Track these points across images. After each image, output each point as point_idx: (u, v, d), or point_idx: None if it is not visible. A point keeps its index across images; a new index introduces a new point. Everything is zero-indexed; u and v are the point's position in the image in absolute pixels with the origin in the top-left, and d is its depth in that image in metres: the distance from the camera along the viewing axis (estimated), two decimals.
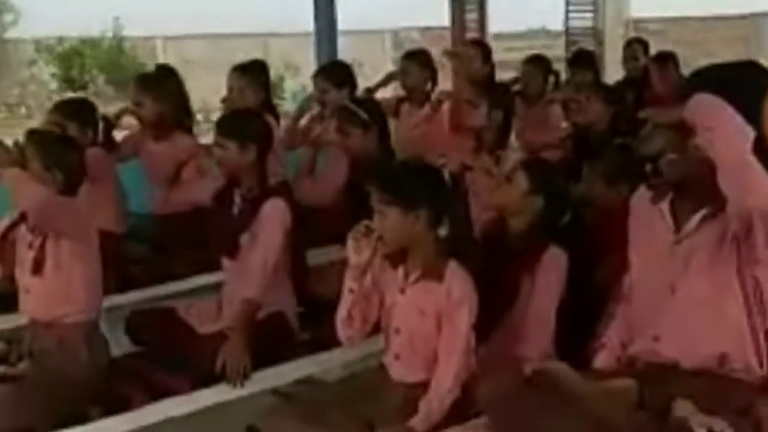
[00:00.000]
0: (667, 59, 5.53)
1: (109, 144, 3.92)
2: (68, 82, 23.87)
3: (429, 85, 4.90)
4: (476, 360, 2.67)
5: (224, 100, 4.40)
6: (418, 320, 2.62)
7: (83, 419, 3.03)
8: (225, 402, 3.30)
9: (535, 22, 19.78)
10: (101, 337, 3.17)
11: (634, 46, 5.88)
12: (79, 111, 3.81)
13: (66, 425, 2.98)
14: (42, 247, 3.05)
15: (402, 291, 2.66)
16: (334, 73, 4.56)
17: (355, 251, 2.58)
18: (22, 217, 3.12)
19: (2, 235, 3.14)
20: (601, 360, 2.45)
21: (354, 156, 3.90)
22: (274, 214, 3.37)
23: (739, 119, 2.03)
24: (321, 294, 3.65)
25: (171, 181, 4.00)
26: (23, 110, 22.62)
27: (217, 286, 3.75)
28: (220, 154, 3.42)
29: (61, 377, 2.99)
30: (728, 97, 2.05)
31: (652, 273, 2.33)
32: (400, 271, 2.66)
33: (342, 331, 2.73)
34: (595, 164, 3.23)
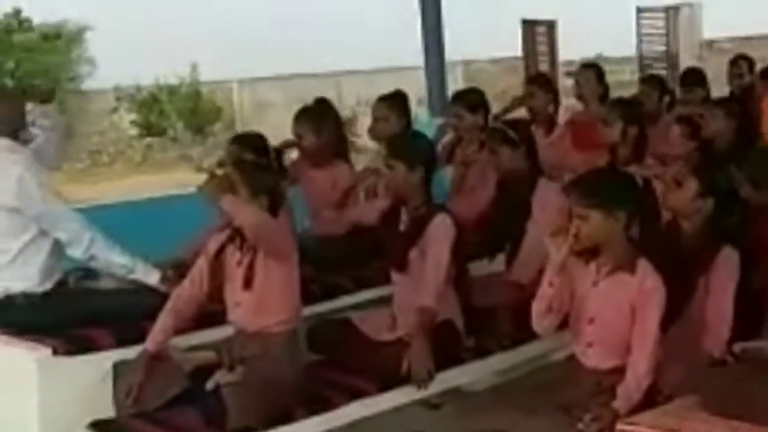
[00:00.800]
0: None
1: (283, 172, 4.25)
2: (147, 128, 24.70)
3: (552, 107, 5.20)
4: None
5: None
6: (612, 310, 2.89)
7: (290, 419, 3.35)
8: (410, 402, 3.62)
9: (602, 50, 20.02)
10: (300, 345, 3.48)
11: (740, 63, 6.10)
12: (254, 142, 4.17)
13: (276, 424, 3.31)
14: (251, 264, 3.38)
15: (595, 284, 2.94)
16: (469, 98, 4.87)
17: (555, 248, 2.87)
18: (231, 238, 3.46)
19: (215, 255, 3.48)
20: None
21: (503, 173, 4.18)
22: (443, 229, 3.66)
23: None
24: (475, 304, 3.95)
25: (339, 204, 4.33)
26: (104, 157, 23.44)
27: (381, 300, 4.09)
28: (389, 175, 3.74)
29: (270, 381, 3.29)
30: None
31: None
32: (592, 266, 2.94)
33: (539, 323, 3.02)
34: (742, 169, 3.46)
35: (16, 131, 3.67)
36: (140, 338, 3.62)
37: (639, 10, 15.18)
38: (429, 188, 3.76)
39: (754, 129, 4.96)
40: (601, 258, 2.93)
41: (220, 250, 3.49)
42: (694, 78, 5.83)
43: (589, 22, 19.95)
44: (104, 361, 3.55)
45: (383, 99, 4.81)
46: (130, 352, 3.58)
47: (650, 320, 2.84)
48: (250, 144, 4.14)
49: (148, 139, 23.51)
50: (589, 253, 2.93)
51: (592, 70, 5.52)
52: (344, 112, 23.26)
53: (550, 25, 16.39)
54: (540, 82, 5.21)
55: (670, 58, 15.20)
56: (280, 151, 4.28)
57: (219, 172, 3.45)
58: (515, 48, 16.23)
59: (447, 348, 3.69)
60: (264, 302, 3.40)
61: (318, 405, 3.43)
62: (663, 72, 13.68)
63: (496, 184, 4.25)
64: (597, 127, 4.58)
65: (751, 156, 3.65)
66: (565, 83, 13.73)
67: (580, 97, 5.44)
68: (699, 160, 4.56)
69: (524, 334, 3.89)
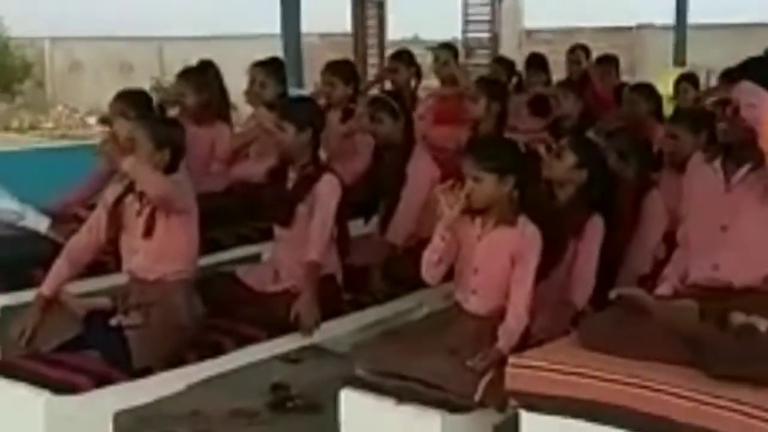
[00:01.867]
0: (609, 62, 6.35)
1: None
2: None
3: (413, 83, 5.53)
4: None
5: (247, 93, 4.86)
6: (495, 260, 3.23)
7: (184, 362, 3.51)
8: (298, 348, 3.86)
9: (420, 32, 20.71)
10: (196, 294, 3.62)
11: (578, 52, 6.67)
12: (139, 99, 4.24)
13: (171, 366, 3.46)
14: (152, 214, 3.48)
15: (479, 238, 3.27)
16: (342, 70, 5.12)
17: (447, 206, 3.17)
18: (129, 189, 3.55)
19: (114, 205, 3.55)
20: (662, 290, 3.08)
21: (381, 141, 4.45)
22: (330, 188, 3.89)
23: None
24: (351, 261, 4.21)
25: (224, 162, 4.46)
26: None
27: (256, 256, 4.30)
28: (279, 136, 3.93)
29: (167, 326, 3.43)
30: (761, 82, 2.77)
31: (707, 217, 3.01)
32: (477, 221, 3.27)
33: (429, 272, 3.33)
34: (609, 144, 3.88)
35: None
36: (28, 284, 3.68)
37: None
38: (317, 149, 3.99)
39: (592, 110, 5.47)
40: (485, 215, 3.26)
41: (119, 200, 3.57)
42: (538, 62, 6.34)
43: (413, 3, 20.55)
44: None
45: (260, 64, 4.96)
46: (18, 297, 3.63)
47: (529, 265, 3.20)
48: (136, 100, 4.21)
49: None
50: (475, 210, 3.26)
51: (451, 50, 5.90)
52: (166, 78, 22.65)
53: (380, 4, 16.73)
54: (403, 58, 5.53)
55: (493, 45, 15.97)
56: (162, 108, 4.37)
57: (100, 128, 3.53)
58: (343, 25, 16.46)
59: (328, 301, 3.92)
60: (163, 251, 3.52)
61: (209, 350, 3.59)
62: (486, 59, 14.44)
63: (374, 150, 4.52)
64: (461, 102, 4.95)
65: (618, 131, 4.08)
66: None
67: (438, 73, 5.78)
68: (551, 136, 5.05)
69: (396, 290, 4.27)
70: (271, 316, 3.80)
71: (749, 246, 2.89)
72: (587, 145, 3.66)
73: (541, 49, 13.22)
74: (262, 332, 3.76)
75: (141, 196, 3.53)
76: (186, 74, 4.61)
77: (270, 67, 4.97)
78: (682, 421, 2.56)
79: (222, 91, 4.70)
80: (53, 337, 3.42)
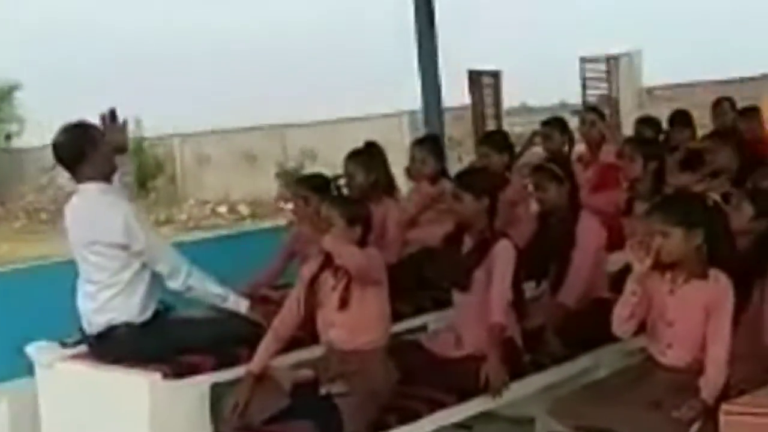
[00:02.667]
0: (754, 112, 6.39)
1: None
2: None
3: (567, 148, 5.68)
4: None
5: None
6: (690, 313, 3.31)
7: (386, 427, 3.66)
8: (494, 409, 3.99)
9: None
10: (391, 362, 3.80)
11: (724, 104, 6.72)
12: (318, 182, 4.54)
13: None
14: (347, 287, 3.70)
15: (671, 292, 3.35)
16: (496, 140, 5.32)
17: (638, 261, 3.28)
18: (323, 266, 3.79)
19: (310, 282, 3.80)
20: None
21: (547, 207, 4.59)
22: (507, 252, 4.04)
23: None
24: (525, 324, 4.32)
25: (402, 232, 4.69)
26: (42, 215, 23.20)
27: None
28: (457, 204, 4.12)
29: (369, 393, 3.60)
30: None
31: None
32: (668, 276, 3.36)
33: (621, 327, 3.42)
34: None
35: (108, 177, 3.96)
36: (234, 363, 3.93)
37: (582, 60, 15.95)
38: (493, 216, 4.16)
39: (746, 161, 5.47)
40: (676, 269, 3.35)
41: (314, 277, 3.81)
42: (682, 118, 6.41)
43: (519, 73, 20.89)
44: (204, 383, 3.84)
45: (420, 142, 5.23)
46: (226, 375, 3.88)
47: (724, 318, 3.27)
48: (315, 184, 4.51)
49: None
50: (665, 265, 3.35)
51: (596, 112, 6.02)
52: (289, 164, 23.28)
53: (495, 75, 17.05)
54: (556, 124, 5.70)
55: (612, 104, 16.01)
56: (339, 188, 4.64)
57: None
58: (460, 98, 16.77)
59: (510, 363, 4.04)
60: (359, 322, 3.72)
61: (407, 415, 3.74)
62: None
63: (538, 216, 4.66)
64: (614, 165, 5.05)
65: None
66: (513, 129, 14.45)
67: (585, 135, 5.90)
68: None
69: (572, 350, 4.36)
70: (457, 381, 3.93)
71: None
72: (764, 195, 3.72)
73: (663, 106, 13.24)
74: (451, 397, 3.89)
75: (336, 271, 3.75)
76: (354, 155, 4.89)
77: (428, 144, 5.21)
78: None
79: (386, 169, 4.95)
80: (264, 410, 3.62)
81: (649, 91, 16.79)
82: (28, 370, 4.12)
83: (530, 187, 4.62)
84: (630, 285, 3.35)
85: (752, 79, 15.72)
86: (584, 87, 16.11)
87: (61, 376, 4.01)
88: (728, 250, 3.37)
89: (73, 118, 3.97)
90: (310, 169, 22.02)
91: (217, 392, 3.83)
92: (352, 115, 22.72)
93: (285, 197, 5.04)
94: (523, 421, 4.80)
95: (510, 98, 18.12)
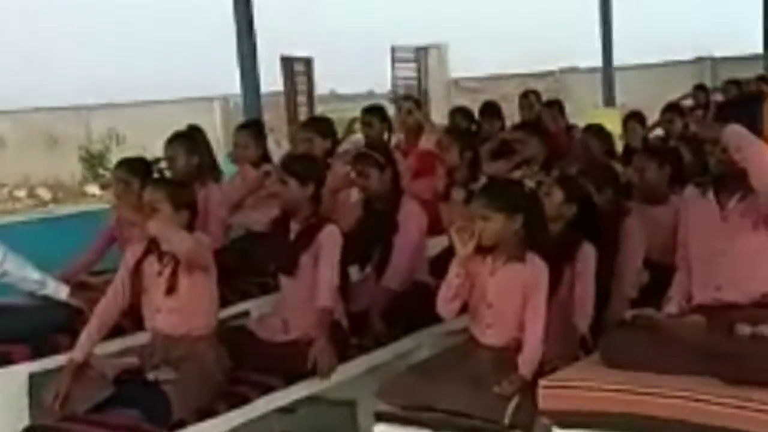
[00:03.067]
0: (555, 105, 6.79)
1: None
2: None
3: (386, 135, 5.81)
4: None
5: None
6: (508, 294, 3.48)
7: (215, 413, 3.65)
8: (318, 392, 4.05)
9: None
10: (221, 347, 3.78)
11: (530, 96, 7.07)
12: (140, 166, 4.43)
13: (204, 418, 3.60)
14: (173, 273, 3.65)
15: (492, 274, 3.52)
16: (320, 125, 5.36)
17: (461, 245, 3.42)
18: (148, 251, 3.71)
19: (134, 267, 3.70)
20: (669, 309, 3.38)
21: (371, 194, 4.68)
22: (333, 237, 4.11)
23: (758, 142, 3.10)
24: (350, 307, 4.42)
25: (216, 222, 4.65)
26: None
27: None
28: (283, 189, 4.14)
29: (199, 379, 3.57)
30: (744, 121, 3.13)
31: (706, 244, 3.34)
32: (489, 259, 3.52)
33: (445, 308, 3.55)
34: (585, 179, 4.19)
35: None
36: (53, 351, 3.79)
37: (393, 50, 16.23)
38: (318, 202, 4.20)
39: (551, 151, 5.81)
40: (496, 252, 3.52)
41: (138, 263, 3.73)
42: (492, 110, 6.71)
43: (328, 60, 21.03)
44: (21, 373, 3.69)
45: (243, 127, 5.20)
46: (45, 364, 3.74)
47: (540, 298, 3.46)
48: (136, 168, 4.40)
49: None
50: (486, 248, 3.51)
51: (413, 100, 6.19)
52: (94, 146, 22.40)
53: (308, 62, 17.07)
54: (376, 112, 5.81)
55: (421, 94, 16.43)
56: (161, 172, 4.54)
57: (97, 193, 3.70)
58: (272, 84, 16.69)
59: (337, 346, 4.11)
60: (187, 307, 3.68)
61: (236, 400, 3.74)
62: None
63: (362, 202, 4.76)
64: (432, 153, 5.23)
65: (588, 168, 4.42)
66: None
67: (402, 123, 6.07)
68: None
69: (395, 332, 4.49)
70: (285, 365, 3.97)
71: (746, 267, 3.21)
72: (572, 182, 3.97)
73: (470, 98, 13.75)
74: (279, 380, 3.92)
75: (161, 256, 3.69)
76: (176, 138, 4.80)
77: (251, 129, 5.20)
78: (702, 422, 2.83)
79: (210, 152, 4.90)
80: (87, 399, 3.52)
81: (456, 82, 17.36)
82: None
83: (352, 174, 4.70)
84: (454, 267, 3.49)
85: (551, 73, 16.60)
86: (394, 77, 16.42)
87: None
88: (543, 235, 3.57)
89: None
90: (116, 152, 21.34)
91: (35, 382, 3.70)
92: (161, 98, 22.14)
93: (106, 183, 4.86)
94: (345, 404, 4.91)
95: (319, 85, 18.27)
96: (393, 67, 16.59)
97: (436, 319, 4.44)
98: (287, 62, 16.03)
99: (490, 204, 3.45)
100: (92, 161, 21.24)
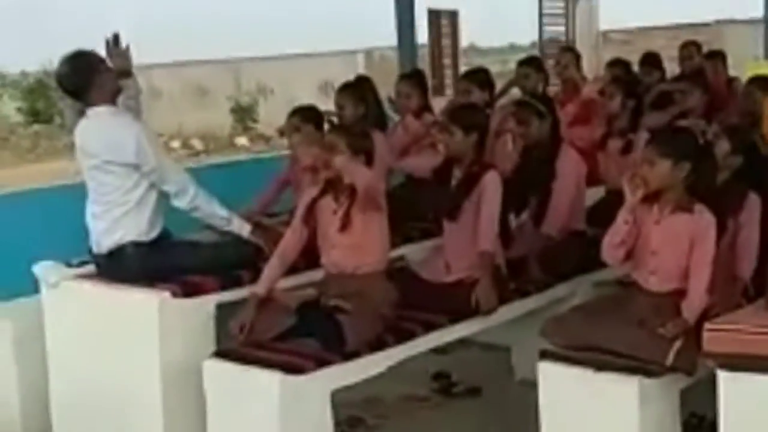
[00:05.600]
0: (719, 57, 6.66)
1: None
2: (34, 115, 24.12)
3: (542, 87, 5.88)
4: None
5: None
6: (673, 243, 3.56)
7: (385, 346, 3.88)
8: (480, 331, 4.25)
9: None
10: (390, 284, 4.00)
11: (690, 48, 6.97)
12: (313, 115, 4.70)
13: (375, 350, 3.84)
14: (348, 211, 3.87)
15: (657, 222, 3.60)
16: (479, 77, 5.49)
17: (630, 191, 3.51)
18: (323, 191, 3.96)
19: (309, 207, 3.96)
20: None
21: (530, 142, 4.80)
22: (495, 183, 4.25)
23: None
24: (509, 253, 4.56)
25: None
26: None
27: None
28: (447, 138, 4.30)
29: (370, 313, 3.80)
30: None
31: None
32: (655, 207, 3.60)
33: (612, 253, 3.65)
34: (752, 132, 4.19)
35: (115, 100, 4.07)
36: (237, 284, 4.11)
37: (541, 2, 16.01)
38: (482, 150, 4.35)
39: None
40: (662, 201, 3.59)
41: (314, 202, 3.98)
42: (652, 61, 6.66)
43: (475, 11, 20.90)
44: (210, 303, 4.02)
45: (405, 77, 5.40)
46: (230, 295, 4.06)
47: (708, 249, 3.52)
48: (310, 116, 4.66)
49: (35, 127, 23.07)
50: (653, 197, 3.58)
51: (573, 53, 6.23)
52: (243, 99, 23.11)
53: (453, 15, 17.08)
54: (533, 63, 5.90)
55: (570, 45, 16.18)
56: (332, 121, 4.78)
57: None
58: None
59: (497, 288, 4.27)
60: (359, 244, 3.90)
61: (404, 335, 3.96)
62: None
63: (521, 150, 4.87)
64: (593, 101, 5.28)
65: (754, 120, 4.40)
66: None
67: (560, 75, 6.12)
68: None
69: (551, 279, 4.60)
70: (449, 304, 4.16)
71: None
72: (738, 132, 3.98)
73: (619, 50, 13.49)
74: (443, 318, 4.12)
75: (337, 195, 3.92)
76: (345, 89, 5.03)
77: (414, 79, 5.38)
78: None
79: (377, 102, 5.11)
80: (270, 329, 3.80)
81: (605, 35, 17.03)
82: (34, 289, 4.24)
83: (512, 123, 4.82)
84: (622, 214, 3.58)
85: (706, 24, 16.07)
86: (541, 26, 16.23)
87: (68, 295, 4.13)
88: (711, 185, 3.61)
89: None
90: (264, 105, 22.02)
91: (222, 312, 4.02)
92: (306, 51, 22.63)
93: (281, 130, 5.15)
94: (498, 348, 5.09)
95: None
96: (540, 20, 16.42)
97: (589, 269, 4.60)
98: (433, 15, 16.13)
99: (658, 149, 3.52)
100: (242, 113, 21.99)
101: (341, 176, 3.85)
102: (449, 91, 14.03)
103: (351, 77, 5.43)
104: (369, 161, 3.96)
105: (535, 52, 16.10)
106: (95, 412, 4.06)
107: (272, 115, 20.13)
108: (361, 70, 20.77)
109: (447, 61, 16.03)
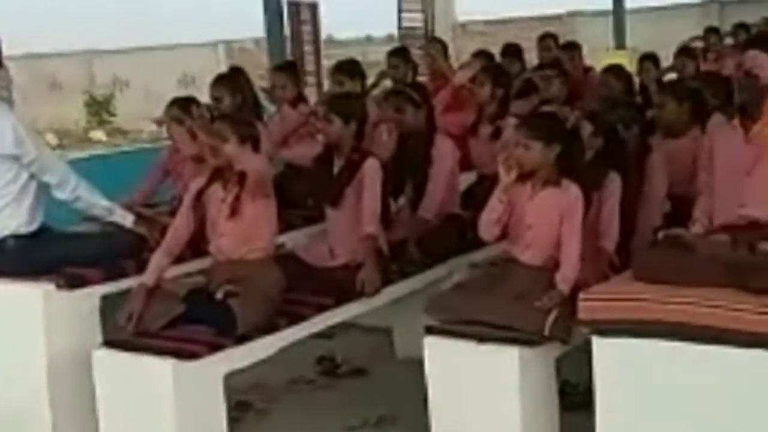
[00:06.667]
0: (575, 48, 7.04)
1: None
2: None
3: (410, 77, 6.07)
4: None
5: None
6: (546, 217, 3.79)
7: (276, 329, 3.96)
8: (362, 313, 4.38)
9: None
10: (278, 269, 4.08)
11: (548, 40, 7.33)
12: (190, 104, 4.70)
13: (266, 333, 3.91)
14: (237, 198, 3.93)
15: (530, 198, 3.82)
16: (350, 68, 5.63)
17: (506, 172, 3.72)
18: (211, 180, 4.00)
19: (197, 195, 3.99)
20: (695, 230, 3.68)
21: (406, 129, 4.96)
22: (375, 169, 4.39)
23: None
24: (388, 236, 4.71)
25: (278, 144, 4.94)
26: None
27: None
28: (327, 126, 4.41)
29: (261, 297, 3.87)
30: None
31: (730, 166, 3.63)
32: (528, 185, 3.82)
33: (489, 231, 3.87)
34: (612, 115, 4.47)
35: None
36: (122, 275, 4.10)
37: None
38: (361, 139, 4.49)
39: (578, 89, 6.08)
40: (534, 178, 3.82)
41: (201, 191, 4.02)
42: (513, 52, 6.96)
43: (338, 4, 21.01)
44: (95, 294, 4.00)
45: (279, 69, 5.47)
46: (115, 286, 4.05)
47: (576, 220, 3.77)
48: (186, 107, 4.68)
49: None
50: (525, 175, 3.81)
51: (440, 43, 6.44)
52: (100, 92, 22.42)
53: (313, 6, 17.07)
54: (401, 55, 6.08)
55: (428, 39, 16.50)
56: (211, 111, 4.81)
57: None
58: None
59: (380, 271, 4.41)
60: (249, 232, 3.97)
61: (294, 318, 4.05)
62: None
63: (397, 138, 5.03)
64: (463, 90, 5.49)
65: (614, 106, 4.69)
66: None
67: (430, 66, 6.33)
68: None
69: (430, 260, 4.79)
70: (335, 287, 4.28)
71: None
72: (599, 116, 4.26)
73: (476, 42, 13.91)
74: (331, 301, 4.23)
75: (225, 183, 3.97)
76: (220, 80, 5.07)
77: (288, 71, 5.47)
78: (726, 327, 3.12)
79: (253, 92, 5.17)
80: (158, 318, 3.83)
81: (463, 26, 17.47)
82: None
83: (390, 112, 4.97)
84: (497, 193, 3.79)
85: (558, 17, 16.73)
86: (400, 18, 16.49)
87: None
88: (578, 164, 3.87)
89: None
90: (121, 97, 21.50)
91: (107, 303, 4.01)
92: (162, 43, 22.20)
93: (159, 121, 5.08)
94: (379, 330, 5.25)
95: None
96: (399, 12, 16.69)
97: (467, 249, 4.82)
98: (294, 7, 16.12)
99: (530, 133, 3.75)
100: (97, 107, 21.39)
101: (230, 164, 3.90)
102: (311, 80, 14.12)
103: (212, 69, 5.48)
104: (256, 149, 4.03)
105: (395, 44, 16.39)
106: None
107: (130, 109, 19.74)
108: (222, 62, 20.63)
109: (309, 51, 16.12)
